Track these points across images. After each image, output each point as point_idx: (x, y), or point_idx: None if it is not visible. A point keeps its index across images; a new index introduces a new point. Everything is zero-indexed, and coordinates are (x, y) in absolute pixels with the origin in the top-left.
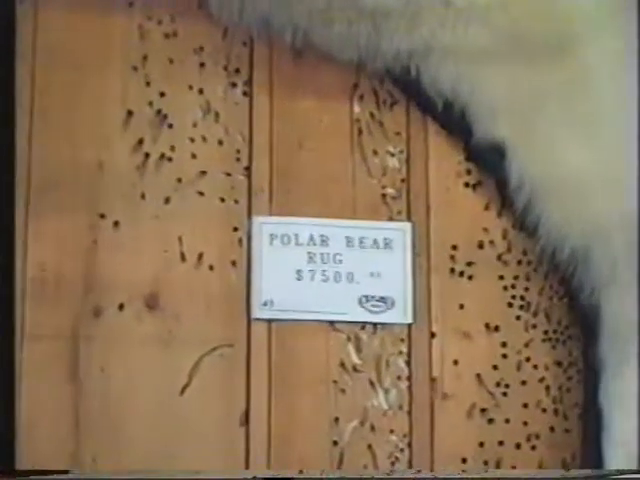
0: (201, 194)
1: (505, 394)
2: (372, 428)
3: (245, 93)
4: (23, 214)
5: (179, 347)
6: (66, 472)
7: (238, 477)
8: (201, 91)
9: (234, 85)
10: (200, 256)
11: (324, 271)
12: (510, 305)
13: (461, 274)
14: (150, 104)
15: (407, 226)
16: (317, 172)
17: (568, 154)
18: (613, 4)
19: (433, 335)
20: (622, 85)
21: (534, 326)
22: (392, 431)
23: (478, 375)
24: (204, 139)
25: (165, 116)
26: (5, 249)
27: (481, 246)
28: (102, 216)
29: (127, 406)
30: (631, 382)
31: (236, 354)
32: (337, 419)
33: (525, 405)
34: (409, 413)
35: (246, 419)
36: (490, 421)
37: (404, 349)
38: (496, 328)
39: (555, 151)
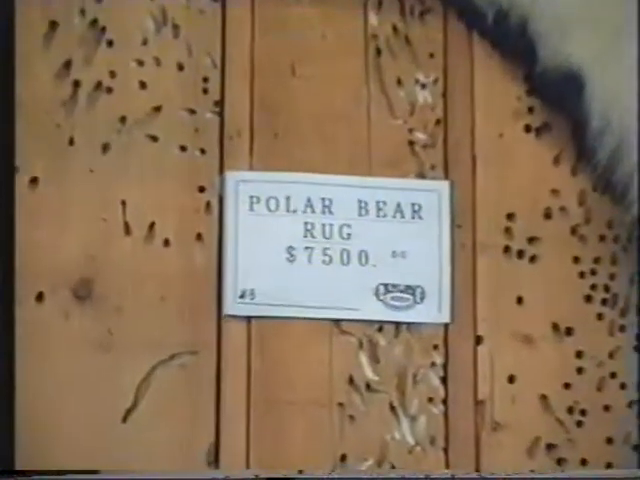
0: (153, 139)
1: (580, 424)
2: (393, 469)
3: None
4: None
5: (122, 354)
6: (66, 472)
7: (239, 477)
8: None
9: None
10: (151, 227)
11: (326, 249)
12: (588, 299)
13: (520, 254)
14: (82, 12)
15: (444, 186)
16: (317, 109)
17: None
18: None
19: (479, 340)
20: None
21: (622, 328)
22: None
23: (543, 397)
24: (157, 62)
25: (103, 29)
26: None
27: (548, 215)
28: (15, 169)
29: (48, 437)
30: None
31: (202, 364)
32: (344, 457)
33: (609, 440)
34: (445, 450)
35: (215, 456)
36: (560, 461)
37: (438, 360)
38: (568, 331)
39: None
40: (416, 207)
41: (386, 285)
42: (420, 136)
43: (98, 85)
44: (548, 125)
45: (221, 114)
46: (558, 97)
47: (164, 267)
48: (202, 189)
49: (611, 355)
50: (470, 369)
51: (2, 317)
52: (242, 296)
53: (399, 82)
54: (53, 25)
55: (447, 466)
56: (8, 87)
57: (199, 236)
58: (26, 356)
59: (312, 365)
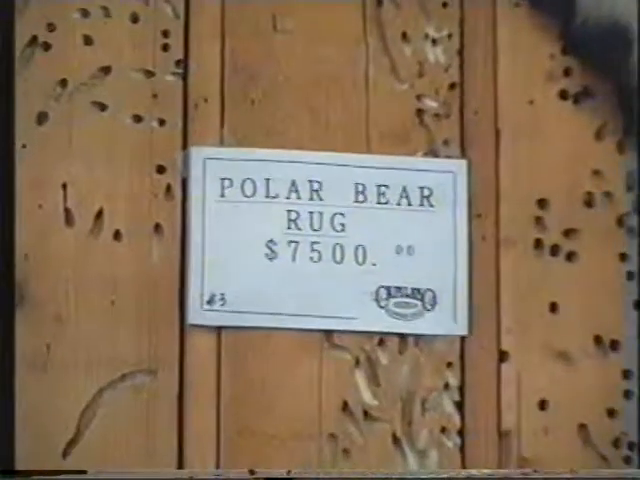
0: (101, 107)
1: (629, 460)
2: None
3: None
4: None
5: (62, 374)
6: (67, 472)
7: (238, 477)
8: None
9: None
10: (98, 215)
11: (315, 244)
12: (638, 305)
13: (554, 251)
14: None
15: (460, 166)
16: (303, 71)
17: None
18: None
19: (504, 356)
20: None
21: None
22: None
23: (582, 427)
24: (106, 12)
25: None
26: None
27: (589, 202)
28: None
29: None
30: None
31: (161, 386)
32: None
33: None
34: None
35: None
36: None
37: (453, 381)
38: (614, 345)
39: None
40: (426, 192)
41: (389, 288)
42: (431, 104)
43: (33, 40)
44: (589, 91)
45: (185, 77)
46: (601, 56)
47: (114, 266)
48: (161, 169)
49: None
50: (493, 392)
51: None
52: (210, 301)
53: (404, 37)
54: None
55: None
56: None
57: (157, 227)
58: None
59: (297, 388)
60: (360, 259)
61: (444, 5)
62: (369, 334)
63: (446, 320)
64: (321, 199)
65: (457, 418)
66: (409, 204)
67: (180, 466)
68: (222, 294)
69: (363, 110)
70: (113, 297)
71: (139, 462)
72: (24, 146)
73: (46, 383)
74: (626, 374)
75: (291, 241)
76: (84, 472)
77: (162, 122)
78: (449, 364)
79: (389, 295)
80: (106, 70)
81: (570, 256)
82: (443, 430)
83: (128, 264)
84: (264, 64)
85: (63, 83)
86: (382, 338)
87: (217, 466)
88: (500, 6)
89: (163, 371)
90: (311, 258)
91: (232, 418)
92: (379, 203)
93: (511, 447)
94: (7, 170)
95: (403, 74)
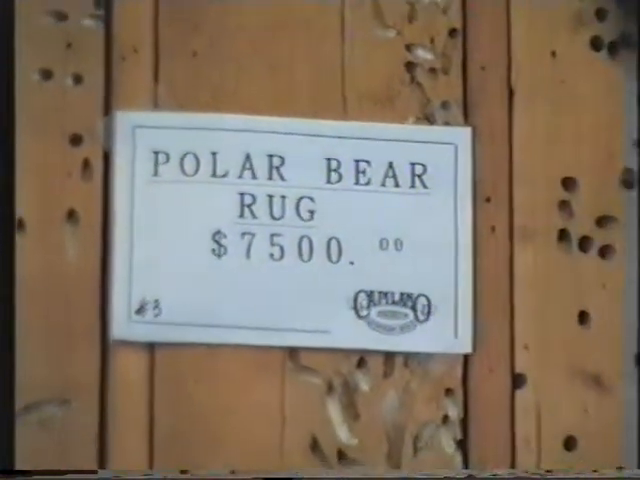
0: None
1: None
2: None
3: None
4: None
5: None
6: (67, 472)
7: (239, 477)
8: None
9: None
10: None
11: (275, 236)
12: None
13: (584, 245)
14: None
15: (463, 136)
16: (258, 15)
17: None
18: None
19: (520, 381)
20: None
21: None
22: None
23: (620, 470)
24: None
25: None
26: None
27: (628, 183)
28: None
29: None
30: None
31: (77, 419)
32: None
33: None
34: None
35: None
36: None
37: (454, 412)
38: None
39: None
40: (418, 169)
41: (371, 293)
42: (425, 55)
43: None
44: (628, 39)
45: (107, 20)
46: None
47: (20, 266)
48: (77, 139)
49: None
50: (505, 427)
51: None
52: (140, 311)
53: None
54: None
55: None
56: None
57: (72, 215)
58: None
59: (252, 420)
60: (334, 256)
61: None
62: (345, 352)
63: (445, 334)
64: (283, 179)
65: (459, 459)
66: (396, 185)
67: None
68: (156, 301)
69: (337, 65)
70: (13, 304)
71: None
72: None
73: None
74: None
75: (244, 233)
76: (94, 472)
77: (78, 79)
78: (448, 391)
79: (371, 302)
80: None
81: (604, 251)
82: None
83: (34, 262)
84: (210, 4)
85: None
86: (362, 357)
87: None
88: None
89: (79, 400)
90: (271, 255)
91: (168, 458)
92: (358, 184)
93: None
94: None
95: (388, 18)
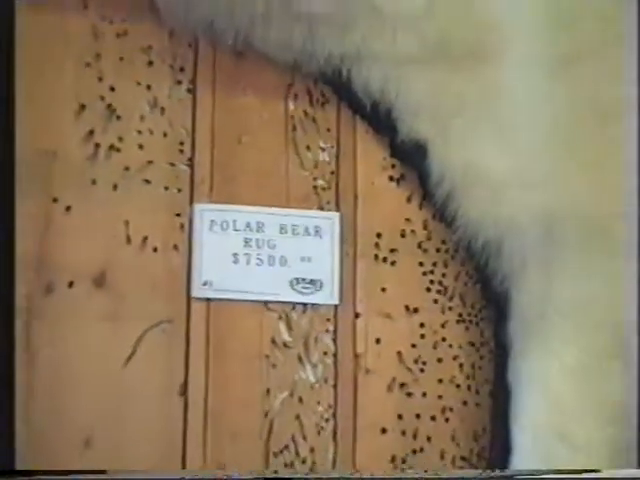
0: (147, 182)
1: (422, 370)
2: (300, 400)
3: (189, 90)
4: None
5: (124, 322)
6: (67, 472)
7: (239, 477)
8: (149, 87)
9: (179, 82)
10: (145, 239)
11: (259, 255)
12: (428, 289)
13: (384, 260)
14: (101, 98)
15: (336, 215)
16: (254, 164)
17: (485, 155)
18: (533, 12)
19: (357, 315)
20: (537, 91)
21: (450, 309)
22: (318, 403)
23: (398, 353)
24: (150, 132)
25: (114, 109)
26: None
27: (403, 235)
28: (55, 200)
29: (77, 375)
30: (536, 362)
31: (177, 329)
32: (268, 391)
33: (440, 381)
34: (334, 386)
35: (184, 389)
36: (408, 395)
37: (331, 328)
38: (415, 310)
39: (473, 151)
40: (317, 228)
41: (297, 279)
42: (321, 182)
43: (111, 146)
44: (404, 176)
45: (191, 167)
46: (410, 159)
47: (153, 266)
48: (178, 215)
49: (442, 326)
50: (351, 334)
51: None
52: (204, 285)
53: (308, 147)
54: (82, 106)
55: (335, 397)
56: None
57: (176, 246)
58: (62, 324)
59: (249, 331)
60: (283, 263)
61: (328, 130)
62: (287, 303)
63: (327, 296)
64: (263, 232)
65: (332, 347)
66: (308, 234)
67: (187, 370)
68: (210, 281)
69: (285, 186)
70: (151, 282)
71: (165, 366)
72: (106, 202)
73: (116, 328)
74: (421, 325)
75: (246, 253)
76: (103, 472)
77: (179, 190)
78: (328, 319)
79: (297, 282)
80: (150, 163)
81: (393, 263)
82: (325, 354)
83: (160, 265)
84: (233, 161)
85: (127, 169)
86: (294, 305)
87: (206, 369)
88: (359, 132)
89: (178, 321)
90: (257, 263)
91: (213, 346)
92: (293, 234)
93: (360, 363)
94: None
95: (307, 167)
